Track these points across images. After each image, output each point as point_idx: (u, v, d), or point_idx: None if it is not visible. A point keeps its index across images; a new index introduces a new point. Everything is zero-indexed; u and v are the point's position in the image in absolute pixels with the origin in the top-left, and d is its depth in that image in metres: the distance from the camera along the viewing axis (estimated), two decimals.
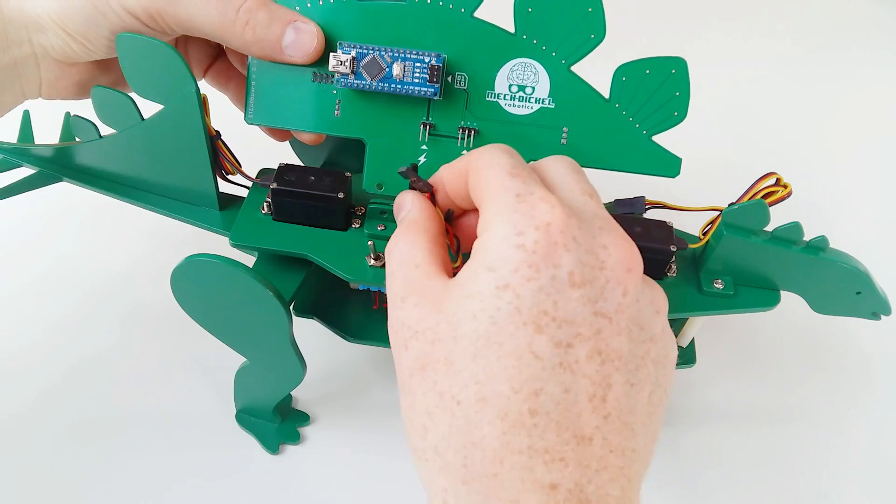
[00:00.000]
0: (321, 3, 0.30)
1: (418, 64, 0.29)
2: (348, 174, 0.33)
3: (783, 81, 0.66)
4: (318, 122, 0.32)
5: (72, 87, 0.33)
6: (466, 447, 0.20)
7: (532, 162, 0.25)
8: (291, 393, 0.39)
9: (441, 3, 0.29)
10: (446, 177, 0.25)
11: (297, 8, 0.30)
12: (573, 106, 0.30)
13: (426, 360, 0.22)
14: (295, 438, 0.39)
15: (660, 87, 0.29)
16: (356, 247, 0.32)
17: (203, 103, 0.31)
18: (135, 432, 0.39)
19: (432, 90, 0.29)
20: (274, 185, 0.32)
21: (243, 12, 0.29)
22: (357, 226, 0.33)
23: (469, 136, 0.31)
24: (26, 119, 0.39)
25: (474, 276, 0.21)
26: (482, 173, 0.23)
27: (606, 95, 0.30)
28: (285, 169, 0.33)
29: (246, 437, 0.39)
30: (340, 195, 0.32)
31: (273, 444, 0.38)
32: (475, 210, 0.24)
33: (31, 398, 0.40)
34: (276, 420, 0.39)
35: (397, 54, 0.29)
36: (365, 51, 0.29)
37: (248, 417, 0.39)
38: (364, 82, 0.30)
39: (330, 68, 0.29)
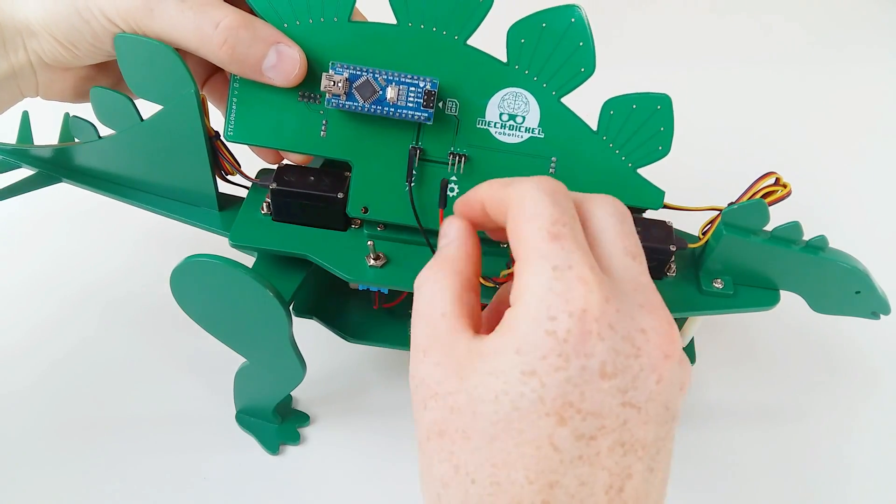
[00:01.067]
0: (311, 22, 0.29)
1: (413, 88, 0.29)
2: (347, 174, 0.33)
3: (783, 81, 0.66)
4: (303, 141, 0.31)
5: (69, 91, 0.33)
6: None
7: (578, 196, 0.23)
8: (291, 393, 0.39)
9: (434, 29, 0.29)
10: (487, 200, 0.24)
11: (286, 25, 0.29)
12: (562, 137, 0.30)
13: (444, 426, 0.21)
14: (295, 439, 0.39)
15: (645, 122, 0.30)
16: (356, 247, 0.32)
17: (202, 104, 0.31)
18: (134, 433, 0.39)
19: (426, 115, 0.29)
20: (273, 186, 0.32)
21: (221, 30, 0.28)
22: (357, 226, 0.33)
23: (459, 162, 0.31)
24: (25, 120, 0.39)
25: (501, 354, 0.20)
26: (521, 225, 0.22)
27: (594, 127, 0.30)
28: (285, 169, 0.33)
29: (246, 438, 0.39)
30: (340, 195, 0.32)
31: (273, 444, 0.38)
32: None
33: (31, 398, 0.40)
34: (276, 420, 0.39)
35: (392, 77, 0.29)
36: (358, 72, 0.29)
37: (247, 418, 0.39)
38: (356, 104, 0.29)
39: (322, 88, 0.29)
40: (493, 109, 0.30)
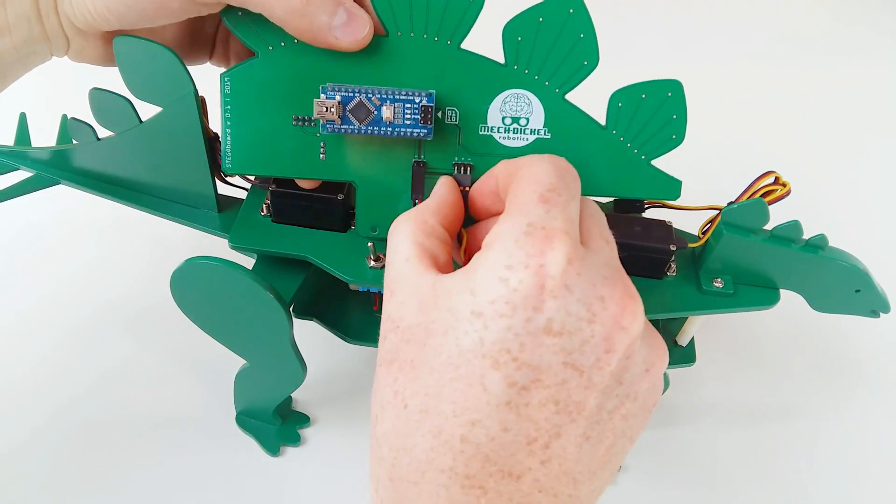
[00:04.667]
0: (296, 41, 0.28)
1: (409, 105, 0.28)
2: None
3: (782, 80, 0.66)
4: (303, 166, 0.30)
5: (100, 56, 0.31)
6: (399, 449, 0.22)
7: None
8: (291, 395, 0.39)
9: (425, 36, 0.27)
10: (501, 176, 0.25)
11: (271, 48, 0.28)
12: (569, 135, 0.29)
13: (395, 355, 0.22)
14: (295, 440, 0.39)
15: (656, 112, 0.28)
16: (356, 248, 0.32)
17: (201, 105, 0.31)
18: (134, 434, 0.39)
19: (426, 131, 0.28)
20: (273, 187, 0.32)
21: None
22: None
23: (465, 172, 0.30)
24: (23, 122, 0.39)
25: (458, 294, 0.21)
26: (520, 186, 0.23)
27: (602, 122, 0.29)
28: None
29: (246, 440, 0.39)
30: (339, 196, 0.32)
31: (273, 446, 0.38)
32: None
33: (31, 399, 0.40)
34: (276, 422, 0.39)
35: (385, 95, 0.28)
36: (350, 94, 0.27)
37: (248, 419, 0.39)
38: (352, 127, 0.28)
39: (314, 115, 0.28)
40: (495, 114, 0.29)
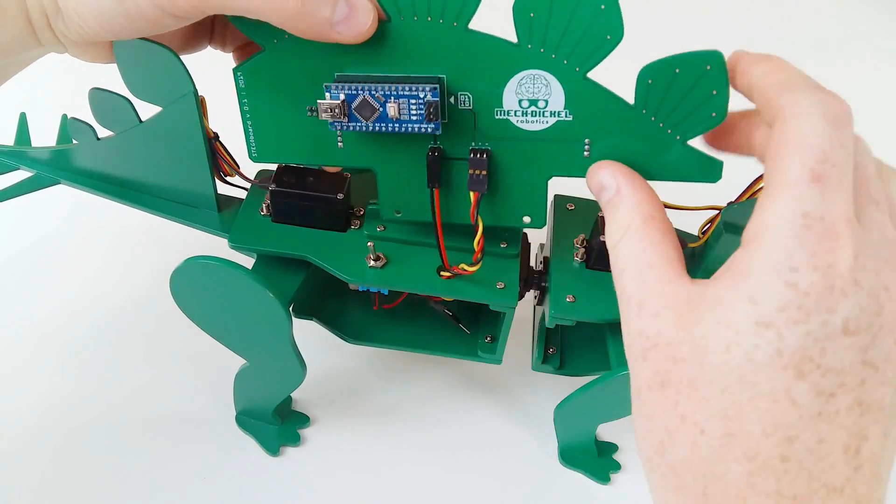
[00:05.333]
0: None
1: (413, 100, 0.26)
2: (347, 174, 0.33)
3: None
4: (323, 154, 0.30)
5: (102, 56, 0.30)
6: (708, 477, 0.20)
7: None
8: (291, 394, 0.39)
9: (430, 19, 0.26)
10: (758, 89, 0.22)
11: (276, 41, 0.27)
12: (594, 116, 0.27)
13: (666, 377, 0.21)
14: (295, 440, 0.39)
15: (693, 87, 0.25)
16: (356, 248, 0.32)
17: (201, 105, 0.31)
18: (134, 434, 0.39)
19: (433, 126, 0.27)
20: (273, 187, 0.32)
21: None
22: (356, 227, 0.33)
23: (482, 157, 0.28)
24: (23, 122, 0.39)
25: (731, 303, 0.20)
26: (785, 152, 0.20)
27: (631, 101, 0.26)
28: (284, 170, 0.32)
29: (246, 439, 0.39)
30: (339, 196, 0.32)
31: (273, 445, 0.38)
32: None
33: (30, 399, 0.40)
34: (275, 422, 0.39)
35: (389, 91, 0.26)
36: (354, 91, 0.27)
37: (248, 419, 0.39)
38: (360, 124, 0.27)
39: (320, 117, 0.27)
40: (511, 97, 0.27)
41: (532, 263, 0.36)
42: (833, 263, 0.19)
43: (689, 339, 0.20)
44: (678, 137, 0.26)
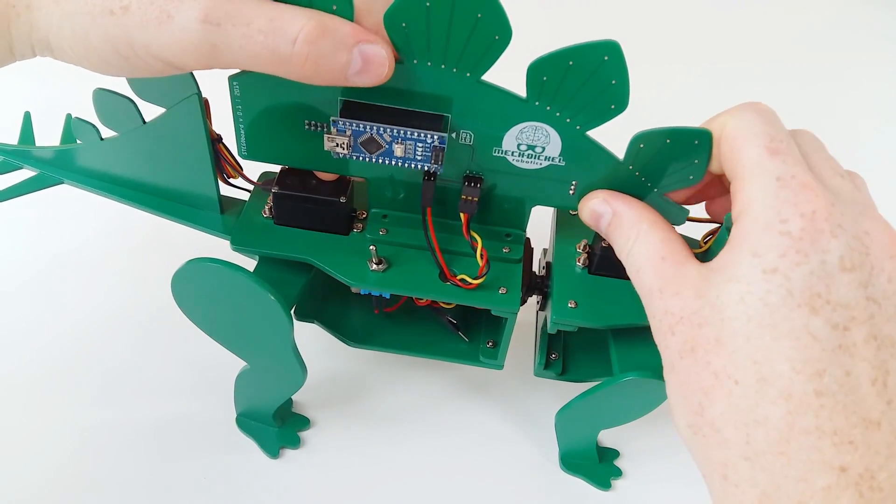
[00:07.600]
0: None
1: (420, 144, 0.28)
2: (350, 179, 0.33)
3: (782, 82, 0.66)
4: (316, 160, 0.31)
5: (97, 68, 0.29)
6: (749, 425, 0.21)
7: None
8: (292, 397, 0.39)
9: (443, 66, 0.26)
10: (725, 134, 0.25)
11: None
12: (585, 166, 0.29)
13: (695, 342, 0.22)
14: (295, 442, 0.39)
15: (679, 156, 0.27)
16: (358, 251, 0.32)
17: (205, 107, 0.31)
18: (134, 436, 0.39)
19: (437, 167, 0.28)
20: (275, 189, 0.32)
21: (300, 45, 0.23)
22: (359, 230, 0.33)
23: (475, 186, 0.30)
24: (27, 121, 0.39)
25: (736, 261, 0.22)
26: (738, 146, 0.23)
27: (620, 154, 0.28)
28: (287, 173, 0.32)
29: (246, 441, 0.39)
30: (342, 199, 0.32)
31: (273, 448, 0.38)
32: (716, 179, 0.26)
33: (30, 400, 0.40)
34: (276, 424, 0.39)
35: (397, 134, 0.27)
36: (361, 128, 0.27)
37: (248, 421, 0.39)
38: (363, 155, 0.28)
39: (325, 149, 0.28)
40: (511, 140, 0.28)
41: (535, 269, 0.36)
42: (816, 209, 0.21)
43: (707, 304, 0.22)
44: (656, 190, 0.29)
